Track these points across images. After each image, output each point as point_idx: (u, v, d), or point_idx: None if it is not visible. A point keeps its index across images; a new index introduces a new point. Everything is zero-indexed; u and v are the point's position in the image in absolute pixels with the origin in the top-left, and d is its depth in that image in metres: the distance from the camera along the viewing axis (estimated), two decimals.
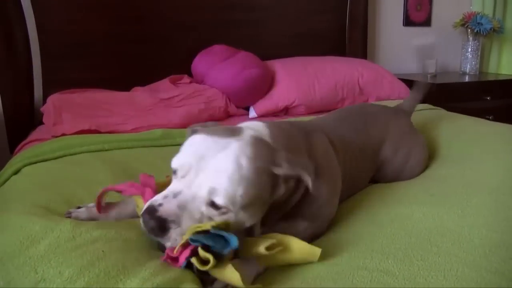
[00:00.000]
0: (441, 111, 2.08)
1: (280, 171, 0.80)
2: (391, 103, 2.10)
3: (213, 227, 0.71)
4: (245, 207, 0.76)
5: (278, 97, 2.10)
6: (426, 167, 1.39)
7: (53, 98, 1.85)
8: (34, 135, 1.81)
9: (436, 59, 2.92)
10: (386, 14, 2.95)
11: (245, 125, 0.90)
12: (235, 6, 2.41)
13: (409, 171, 1.33)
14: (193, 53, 2.25)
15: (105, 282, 0.69)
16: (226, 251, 0.71)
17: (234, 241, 0.70)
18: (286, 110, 2.15)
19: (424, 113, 2.00)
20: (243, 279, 0.68)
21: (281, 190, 0.82)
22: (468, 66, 2.97)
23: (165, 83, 2.17)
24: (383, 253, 0.80)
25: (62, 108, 1.80)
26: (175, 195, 0.76)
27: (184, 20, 2.33)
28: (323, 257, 0.77)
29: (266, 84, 2.13)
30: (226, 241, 0.71)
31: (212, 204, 0.75)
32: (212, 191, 0.74)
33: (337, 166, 1.05)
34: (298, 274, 0.76)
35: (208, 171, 0.76)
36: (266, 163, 0.79)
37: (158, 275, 0.70)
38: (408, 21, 3.01)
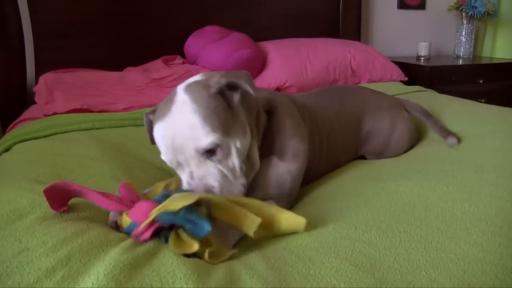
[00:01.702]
0: (433, 93, 2.10)
1: (216, 85, 0.86)
2: (384, 85, 2.14)
3: (186, 209, 0.71)
4: (226, 132, 0.84)
5: (270, 77, 2.10)
6: (413, 141, 1.41)
7: (45, 77, 1.85)
8: (26, 114, 1.81)
9: (430, 42, 2.91)
10: None
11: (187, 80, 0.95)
12: None
13: (395, 143, 1.36)
14: (186, 34, 2.25)
15: (87, 251, 0.70)
16: (200, 235, 0.71)
17: (206, 227, 0.70)
18: (278, 91, 2.15)
19: (416, 95, 2.01)
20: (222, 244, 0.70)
21: (235, 98, 0.88)
22: (462, 49, 2.97)
23: (157, 63, 2.17)
24: (367, 225, 0.82)
25: (54, 87, 1.79)
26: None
27: (178, 1, 2.31)
28: (308, 227, 0.79)
29: (258, 65, 2.13)
30: (196, 224, 0.71)
31: (208, 153, 0.83)
32: (196, 147, 0.82)
33: (299, 118, 1.08)
34: (282, 242, 0.77)
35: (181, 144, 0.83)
36: (204, 91, 0.85)
37: (139, 246, 0.72)
38: (402, 4, 3.00)
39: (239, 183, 0.87)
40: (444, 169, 1.10)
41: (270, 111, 1.03)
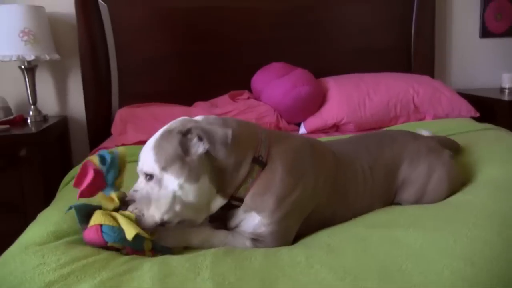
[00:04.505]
0: (503, 132, 1.95)
1: (180, 128, 0.97)
2: (450, 122, 2.06)
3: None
4: (165, 168, 0.96)
5: (327, 114, 2.14)
6: (454, 186, 1.32)
7: (120, 112, 2.11)
8: (105, 143, 2.07)
9: None
10: (459, 26, 2.81)
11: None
12: (294, 24, 2.49)
13: (432, 190, 1.29)
14: (255, 70, 2.37)
15: (86, 271, 0.89)
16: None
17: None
18: (336, 127, 2.18)
19: (484, 133, 1.90)
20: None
21: (195, 147, 0.97)
22: None
23: (225, 98, 2.32)
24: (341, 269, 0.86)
25: (127, 120, 2.04)
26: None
27: (246, 39, 2.47)
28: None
29: (316, 102, 2.18)
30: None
31: (146, 176, 0.99)
32: (141, 168, 1.00)
33: (299, 176, 1.07)
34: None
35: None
36: (174, 130, 0.98)
37: (125, 265, 0.91)
38: (485, 32, 2.84)
39: (156, 216, 0.98)
40: (465, 220, 1.06)
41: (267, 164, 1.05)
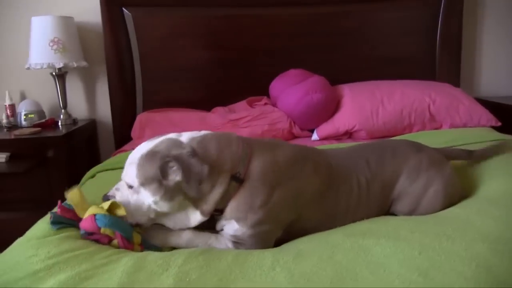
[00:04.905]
0: None
1: (162, 154, 1.04)
2: (468, 131, 2.01)
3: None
4: (144, 184, 1.05)
5: (339, 121, 2.15)
6: (451, 198, 1.30)
7: (140, 116, 2.22)
8: (126, 146, 2.19)
9: None
10: (489, 33, 2.73)
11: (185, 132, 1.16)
12: (315, 32, 2.52)
13: (426, 203, 1.27)
14: (274, 77, 2.41)
15: (69, 262, 0.97)
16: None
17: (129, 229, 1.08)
18: (349, 134, 2.18)
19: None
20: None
21: (176, 177, 1.04)
22: None
23: (242, 104, 2.39)
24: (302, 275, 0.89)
25: (146, 125, 2.15)
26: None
27: (266, 47, 2.52)
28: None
29: (329, 108, 2.20)
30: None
31: (127, 184, 1.09)
32: (123, 177, 1.10)
33: (287, 179, 1.12)
34: None
35: None
36: (158, 153, 1.05)
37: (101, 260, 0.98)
38: None
39: (130, 219, 1.09)
40: (443, 233, 1.05)
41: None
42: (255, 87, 2.49)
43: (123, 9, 2.40)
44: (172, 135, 1.12)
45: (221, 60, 2.52)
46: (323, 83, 2.25)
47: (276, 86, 2.37)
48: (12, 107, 2.46)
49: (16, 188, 2.03)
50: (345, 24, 2.51)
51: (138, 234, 1.10)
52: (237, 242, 1.10)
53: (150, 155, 1.06)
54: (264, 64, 2.54)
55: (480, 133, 2.01)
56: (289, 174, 1.13)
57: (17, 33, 2.44)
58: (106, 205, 1.10)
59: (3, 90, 2.47)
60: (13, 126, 2.41)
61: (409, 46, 2.57)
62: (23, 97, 2.57)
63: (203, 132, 1.15)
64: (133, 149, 1.83)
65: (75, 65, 2.33)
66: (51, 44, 2.22)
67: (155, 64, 2.48)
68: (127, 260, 0.98)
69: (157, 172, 1.03)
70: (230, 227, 1.10)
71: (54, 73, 2.36)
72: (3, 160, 2.06)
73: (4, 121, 2.43)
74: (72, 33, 2.33)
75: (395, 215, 1.31)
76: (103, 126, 2.65)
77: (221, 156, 1.09)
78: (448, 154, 1.48)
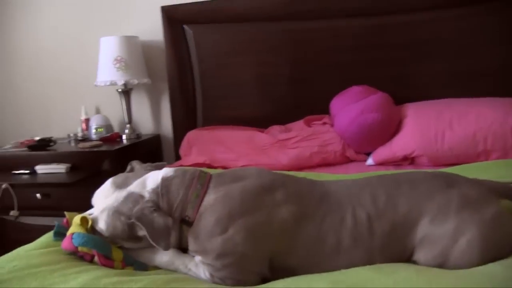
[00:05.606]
0: None
1: (131, 212, 1.08)
2: None
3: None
4: (113, 235, 1.11)
5: (397, 145, 1.90)
6: (492, 254, 1.03)
7: (189, 134, 2.21)
8: (178, 162, 2.19)
9: None
10: None
11: (152, 174, 1.17)
12: (379, 45, 2.28)
13: (458, 256, 1.02)
14: (335, 94, 2.25)
15: (53, 274, 1.03)
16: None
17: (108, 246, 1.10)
18: (410, 160, 1.91)
19: None
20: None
21: (143, 232, 1.06)
22: None
23: (299, 123, 2.25)
24: None
25: (193, 143, 2.14)
26: None
27: (330, 61, 2.35)
28: None
29: (386, 130, 1.95)
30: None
31: None
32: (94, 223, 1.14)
33: (243, 213, 1.06)
34: None
35: None
36: (122, 215, 1.09)
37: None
38: None
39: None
40: None
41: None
42: (318, 104, 2.33)
43: (184, 26, 2.43)
44: (135, 188, 1.14)
45: (282, 76, 2.41)
46: (382, 102, 2.01)
47: (336, 104, 2.19)
48: (87, 121, 2.64)
49: (70, 197, 2.14)
50: (415, 35, 2.23)
51: (119, 251, 1.11)
52: (212, 275, 1.06)
53: (117, 216, 1.10)
54: (328, 80, 2.36)
55: None
56: (248, 205, 1.07)
57: (92, 52, 2.61)
58: (77, 218, 1.12)
59: (80, 106, 2.66)
60: (86, 138, 2.58)
61: (489, 59, 2.18)
62: (97, 112, 2.75)
63: (166, 175, 1.15)
64: (181, 165, 1.87)
65: (136, 82, 2.41)
66: (114, 62, 2.34)
67: (216, 80, 2.47)
68: (80, 281, 0.97)
69: (125, 230, 1.10)
70: (197, 257, 1.09)
71: (120, 90, 2.47)
72: (63, 170, 2.20)
73: (80, 134, 2.61)
74: (136, 51, 2.43)
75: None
76: (166, 141, 2.70)
77: (172, 205, 1.11)
78: (502, 191, 1.19)
